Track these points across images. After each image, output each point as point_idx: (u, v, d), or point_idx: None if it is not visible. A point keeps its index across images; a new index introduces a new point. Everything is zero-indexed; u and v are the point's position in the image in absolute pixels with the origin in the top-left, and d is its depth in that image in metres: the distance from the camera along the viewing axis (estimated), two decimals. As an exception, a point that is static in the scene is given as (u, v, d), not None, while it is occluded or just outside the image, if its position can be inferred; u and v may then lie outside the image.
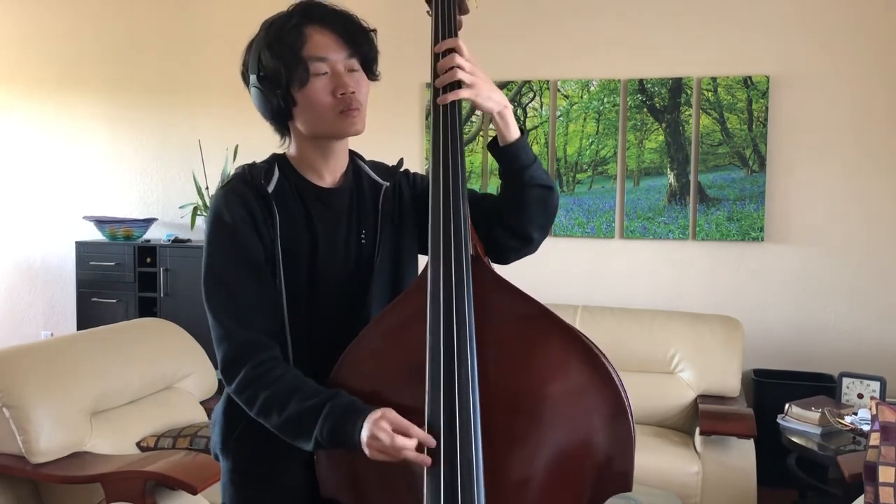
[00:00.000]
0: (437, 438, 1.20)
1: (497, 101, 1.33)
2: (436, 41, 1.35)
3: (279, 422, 1.29)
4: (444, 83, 1.31)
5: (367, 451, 1.21)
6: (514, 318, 1.30)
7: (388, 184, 1.49)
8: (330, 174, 1.44)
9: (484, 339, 1.26)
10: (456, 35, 1.36)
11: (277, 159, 1.45)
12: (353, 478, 1.32)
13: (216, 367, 1.42)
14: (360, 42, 1.38)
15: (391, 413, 1.21)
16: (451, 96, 1.31)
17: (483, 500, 1.20)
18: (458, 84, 1.31)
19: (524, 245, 1.45)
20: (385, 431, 1.19)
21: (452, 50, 1.32)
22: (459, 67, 1.30)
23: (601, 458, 1.25)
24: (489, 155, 1.49)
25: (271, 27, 1.37)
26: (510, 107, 1.37)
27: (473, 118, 4.27)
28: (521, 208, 1.40)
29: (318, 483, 1.34)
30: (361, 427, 1.21)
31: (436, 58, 1.34)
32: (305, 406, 1.26)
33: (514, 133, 1.37)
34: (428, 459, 1.19)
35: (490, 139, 1.42)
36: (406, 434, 1.19)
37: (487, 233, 1.43)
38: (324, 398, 1.26)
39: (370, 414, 1.22)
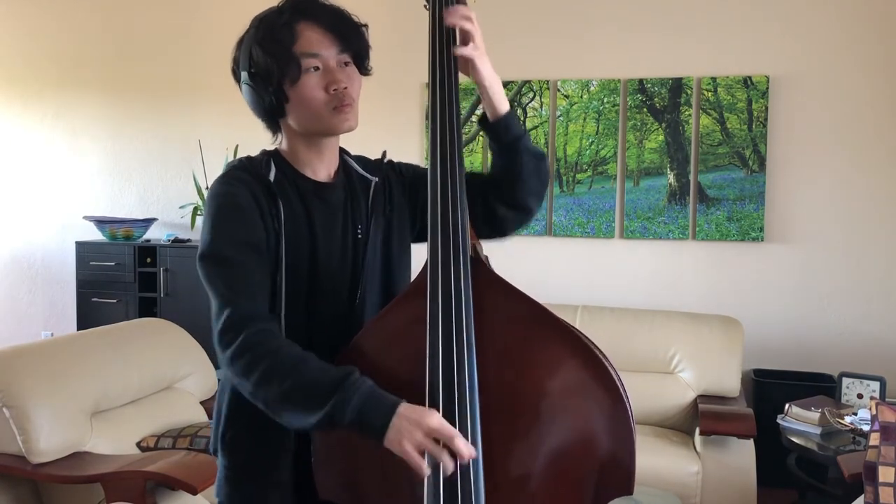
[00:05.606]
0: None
1: (491, 72, 1.36)
2: (433, 35, 1.35)
3: (281, 391, 1.22)
4: (454, 25, 1.32)
5: (394, 434, 1.16)
6: (512, 319, 1.29)
7: (377, 179, 1.48)
8: (325, 169, 1.44)
9: (483, 340, 1.25)
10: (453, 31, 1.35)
11: (272, 154, 1.44)
12: (352, 478, 1.31)
13: (216, 367, 1.39)
14: (351, 37, 1.38)
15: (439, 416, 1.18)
16: (457, 50, 1.32)
17: (483, 502, 1.19)
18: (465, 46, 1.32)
19: (523, 215, 1.48)
20: (438, 430, 1.15)
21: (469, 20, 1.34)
22: (473, 29, 1.32)
23: (602, 458, 1.24)
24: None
25: (261, 23, 1.36)
26: (499, 80, 1.39)
27: (474, 117, 4.27)
28: (517, 179, 1.43)
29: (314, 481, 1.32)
30: (395, 408, 1.17)
31: (433, 50, 1.35)
32: (316, 377, 1.22)
33: (505, 105, 1.39)
34: (427, 470, 1.16)
35: (479, 116, 1.44)
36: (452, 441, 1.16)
37: (485, 208, 1.45)
38: (343, 371, 1.22)
39: (404, 403, 1.18)
